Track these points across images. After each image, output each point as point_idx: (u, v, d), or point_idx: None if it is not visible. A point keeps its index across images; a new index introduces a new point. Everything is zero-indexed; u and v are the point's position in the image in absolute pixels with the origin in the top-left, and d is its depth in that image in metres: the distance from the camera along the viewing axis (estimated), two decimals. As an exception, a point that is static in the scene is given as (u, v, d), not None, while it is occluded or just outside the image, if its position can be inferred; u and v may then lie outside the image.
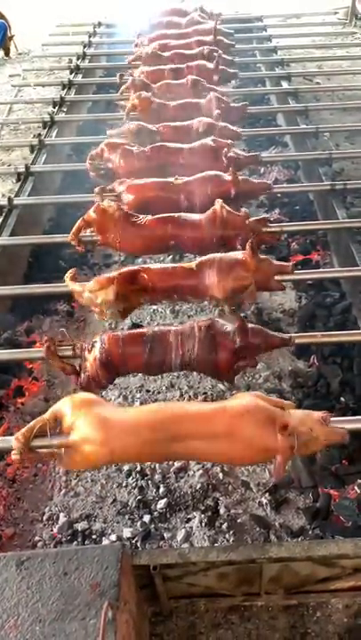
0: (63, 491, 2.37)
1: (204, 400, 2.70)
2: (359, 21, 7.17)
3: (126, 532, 2.18)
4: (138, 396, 2.76)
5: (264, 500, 2.29)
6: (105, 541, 2.16)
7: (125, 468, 2.40)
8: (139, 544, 2.15)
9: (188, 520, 2.22)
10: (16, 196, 3.45)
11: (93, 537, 2.19)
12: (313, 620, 1.94)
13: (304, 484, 2.33)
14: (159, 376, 2.85)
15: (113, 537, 2.17)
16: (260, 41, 5.80)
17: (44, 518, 2.28)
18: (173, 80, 3.86)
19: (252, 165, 3.41)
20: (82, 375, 2.03)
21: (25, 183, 3.64)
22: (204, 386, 2.79)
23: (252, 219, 2.57)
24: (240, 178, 2.77)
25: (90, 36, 5.86)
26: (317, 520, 2.21)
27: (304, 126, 4.10)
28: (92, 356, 2.01)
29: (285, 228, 3.07)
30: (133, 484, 2.35)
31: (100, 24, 6.23)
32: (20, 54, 7.36)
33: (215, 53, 4.13)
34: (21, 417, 2.68)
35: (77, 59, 5.38)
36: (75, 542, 2.17)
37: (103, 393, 2.77)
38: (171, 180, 2.79)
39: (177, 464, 2.39)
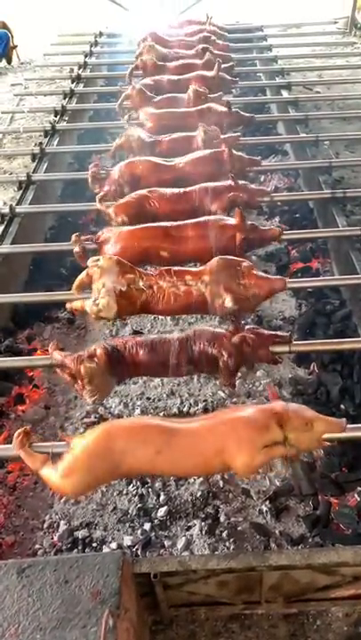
0: (64, 498, 2.37)
1: (205, 408, 2.70)
2: (359, 31, 7.21)
3: (127, 540, 2.18)
4: (138, 403, 2.77)
5: (264, 508, 2.29)
6: (105, 549, 2.16)
7: (126, 475, 2.40)
8: (139, 552, 2.15)
9: (189, 528, 2.22)
10: (18, 204, 3.47)
11: (94, 545, 2.19)
12: (313, 628, 1.94)
13: (304, 491, 2.33)
14: (160, 383, 2.86)
15: (113, 545, 2.18)
16: (261, 50, 5.84)
17: (45, 526, 2.28)
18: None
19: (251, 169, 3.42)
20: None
21: (26, 191, 3.66)
22: (205, 393, 2.80)
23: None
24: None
25: (91, 46, 5.91)
26: (317, 528, 2.21)
27: (304, 135, 4.13)
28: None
29: (285, 236, 3.09)
30: (134, 492, 2.35)
31: (101, 34, 6.28)
32: (22, 64, 7.40)
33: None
34: (22, 424, 2.68)
35: (79, 68, 5.42)
36: (75, 550, 2.17)
37: (104, 400, 2.78)
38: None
39: (177, 472, 2.39)
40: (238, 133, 3.57)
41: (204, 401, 2.75)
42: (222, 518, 2.25)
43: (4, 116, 5.37)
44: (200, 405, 2.73)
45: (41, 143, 4.14)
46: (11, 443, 1.89)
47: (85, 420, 2.69)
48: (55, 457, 1.72)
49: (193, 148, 3.24)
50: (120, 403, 2.76)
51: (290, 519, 2.27)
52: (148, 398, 2.80)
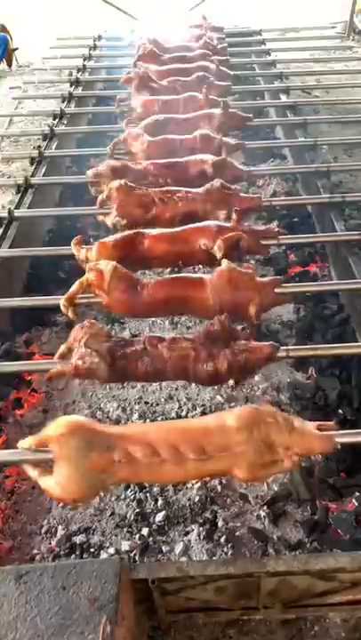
0: (61, 503, 2.37)
1: (203, 412, 2.70)
2: (357, 35, 7.25)
3: (124, 546, 2.18)
4: (136, 407, 2.77)
5: (262, 513, 2.29)
6: (103, 555, 2.16)
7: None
8: (137, 557, 2.14)
9: (187, 533, 2.22)
10: (16, 207, 3.47)
11: (92, 550, 2.19)
12: (311, 634, 1.94)
13: (302, 496, 2.34)
14: (158, 388, 2.86)
15: (111, 550, 2.17)
16: (259, 54, 5.85)
17: (43, 531, 2.28)
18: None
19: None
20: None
21: (25, 195, 3.65)
22: (203, 398, 2.80)
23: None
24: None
25: (90, 49, 5.91)
26: (315, 533, 2.21)
27: (303, 139, 4.13)
28: None
29: (284, 241, 3.09)
30: (132, 497, 2.35)
31: (100, 37, 6.29)
32: (20, 67, 7.42)
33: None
34: (20, 429, 2.69)
35: (77, 71, 5.42)
36: (73, 555, 2.17)
37: (102, 405, 2.78)
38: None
39: (175, 476, 2.39)
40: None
41: (202, 405, 2.75)
42: (220, 523, 2.24)
43: (3, 119, 5.39)
44: (198, 410, 2.73)
45: (39, 146, 4.14)
46: (9, 447, 1.90)
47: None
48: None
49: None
50: (118, 407, 2.76)
51: (288, 524, 2.27)
52: (147, 403, 2.80)
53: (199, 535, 2.20)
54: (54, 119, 4.56)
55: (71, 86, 5.14)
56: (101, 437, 1.64)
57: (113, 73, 5.60)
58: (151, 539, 2.21)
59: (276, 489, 2.38)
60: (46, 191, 4.03)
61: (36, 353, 3.06)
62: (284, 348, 2.21)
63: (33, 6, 8.38)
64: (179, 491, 2.36)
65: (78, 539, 2.22)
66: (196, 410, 2.73)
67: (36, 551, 2.21)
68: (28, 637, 1.41)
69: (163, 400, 2.81)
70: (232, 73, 4.44)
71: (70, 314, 2.30)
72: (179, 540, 2.20)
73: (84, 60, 5.66)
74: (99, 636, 1.35)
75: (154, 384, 2.85)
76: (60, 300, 2.32)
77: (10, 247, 3.19)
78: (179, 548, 2.17)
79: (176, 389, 2.85)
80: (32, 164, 3.99)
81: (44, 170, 3.93)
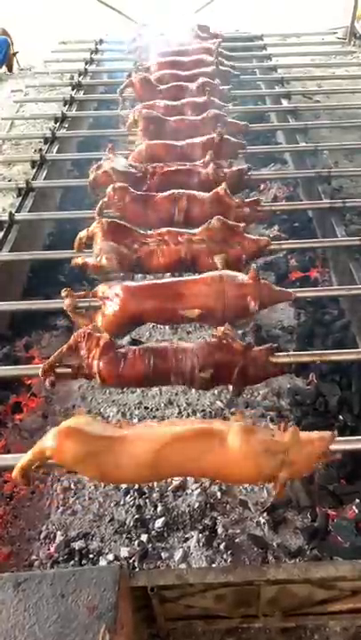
0: (61, 509, 2.36)
1: (203, 418, 2.69)
2: (358, 40, 7.25)
3: (123, 552, 2.17)
4: (136, 412, 2.76)
5: (262, 520, 2.28)
6: (102, 561, 2.15)
7: (123, 486, 2.39)
8: (136, 563, 2.13)
9: (186, 540, 2.21)
10: (17, 211, 3.47)
11: (90, 556, 2.18)
12: (311, 642, 1.93)
13: (302, 503, 2.33)
14: (158, 393, 2.85)
15: (110, 556, 2.16)
16: (261, 59, 5.86)
17: (41, 537, 2.27)
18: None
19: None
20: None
21: (26, 198, 3.65)
22: (203, 403, 2.79)
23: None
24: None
25: (92, 53, 5.91)
26: (315, 540, 2.20)
27: (303, 144, 4.13)
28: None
29: (284, 246, 3.09)
30: (131, 503, 2.34)
31: (101, 41, 6.29)
32: (22, 70, 7.42)
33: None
34: (19, 433, 2.67)
35: (79, 75, 5.42)
36: (72, 562, 2.16)
37: (102, 409, 2.77)
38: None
39: (175, 482, 2.38)
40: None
41: (202, 411, 2.74)
42: (220, 530, 2.23)
43: (4, 122, 5.37)
44: (198, 415, 2.72)
45: (41, 150, 4.14)
46: (8, 452, 1.89)
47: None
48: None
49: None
50: (118, 412, 2.76)
51: (288, 531, 2.26)
52: (146, 407, 2.79)
53: (199, 542, 2.19)
54: (56, 122, 4.56)
55: (73, 90, 5.14)
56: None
57: (115, 77, 5.60)
58: (150, 545, 2.20)
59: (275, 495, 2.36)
60: (47, 194, 4.03)
61: (35, 357, 3.05)
62: (285, 353, 2.20)
63: (34, 9, 8.39)
64: (178, 497, 2.35)
65: (77, 544, 2.21)
66: (196, 415, 2.72)
67: (34, 557, 2.20)
68: (27, 646, 1.40)
69: (162, 405, 2.80)
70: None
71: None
72: (178, 547, 2.19)
73: (86, 63, 5.67)
74: (97, 644, 1.34)
75: (154, 389, 2.84)
76: (61, 304, 2.31)
77: (10, 250, 3.19)
78: (178, 554, 2.15)
79: (176, 394, 2.84)
80: (33, 167, 3.99)
81: (45, 173, 3.93)
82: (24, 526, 2.32)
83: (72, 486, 2.43)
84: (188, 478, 2.36)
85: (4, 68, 7.30)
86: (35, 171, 3.95)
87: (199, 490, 2.35)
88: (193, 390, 2.84)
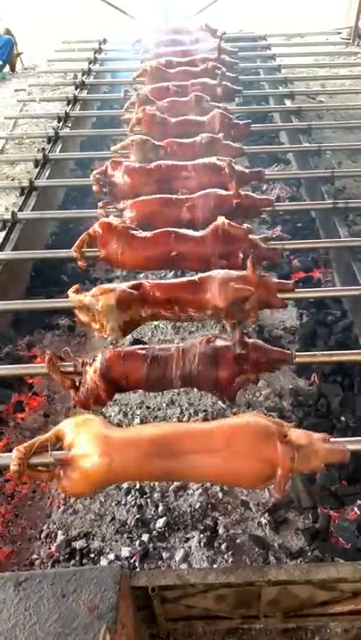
0: (62, 508, 2.36)
1: (205, 418, 2.69)
2: (362, 41, 7.25)
3: (124, 552, 2.17)
4: (138, 412, 2.76)
5: (263, 521, 2.28)
6: (103, 560, 2.15)
7: (124, 485, 2.39)
8: (137, 563, 2.13)
9: (187, 540, 2.21)
10: (20, 210, 3.47)
11: (91, 556, 2.18)
12: (312, 643, 1.92)
13: (304, 504, 2.32)
14: (159, 393, 2.85)
15: (111, 556, 2.16)
16: (264, 59, 5.85)
17: (42, 536, 2.27)
18: (177, 97, 3.87)
19: (254, 181, 3.41)
20: (81, 389, 2.02)
21: (29, 198, 3.65)
22: (205, 403, 2.79)
23: (253, 236, 2.56)
24: (243, 193, 2.77)
25: (95, 53, 5.92)
26: (317, 541, 2.19)
27: (307, 144, 4.12)
28: (93, 369, 2.00)
29: (287, 246, 3.08)
30: (132, 503, 2.34)
31: (105, 41, 6.29)
32: (25, 69, 7.43)
33: (218, 70, 4.13)
34: (21, 432, 2.68)
35: (82, 74, 5.42)
36: (72, 561, 2.16)
37: (103, 409, 2.77)
38: (173, 196, 2.80)
39: (176, 482, 2.37)
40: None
41: (204, 411, 2.74)
42: (221, 530, 2.23)
43: (8, 121, 5.38)
44: (200, 415, 2.72)
45: (44, 149, 4.14)
46: (9, 451, 1.88)
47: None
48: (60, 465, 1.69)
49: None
50: (119, 412, 2.75)
51: (289, 532, 2.26)
52: (148, 407, 2.79)
53: (200, 542, 2.19)
54: (59, 122, 4.56)
55: (76, 89, 5.14)
56: None
57: (118, 76, 5.61)
58: (151, 545, 2.20)
59: (277, 496, 2.36)
60: (50, 194, 4.03)
61: (37, 356, 3.05)
62: (306, 353, 2.20)
63: (38, 9, 8.40)
64: (180, 497, 2.35)
65: (78, 544, 2.21)
66: (198, 415, 2.71)
67: (35, 556, 2.20)
68: (27, 645, 1.39)
69: (164, 405, 2.80)
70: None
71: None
72: (179, 547, 2.19)
73: (90, 63, 5.67)
74: (98, 644, 1.34)
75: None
76: (63, 304, 2.32)
77: (13, 250, 3.19)
78: (179, 554, 2.15)
79: (178, 394, 2.84)
80: (36, 166, 4.00)
81: (47, 172, 3.93)
82: (25, 525, 2.32)
83: (73, 486, 2.43)
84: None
85: (8, 68, 7.31)
86: (38, 170, 3.96)
87: (200, 490, 2.35)
88: (195, 390, 2.83)
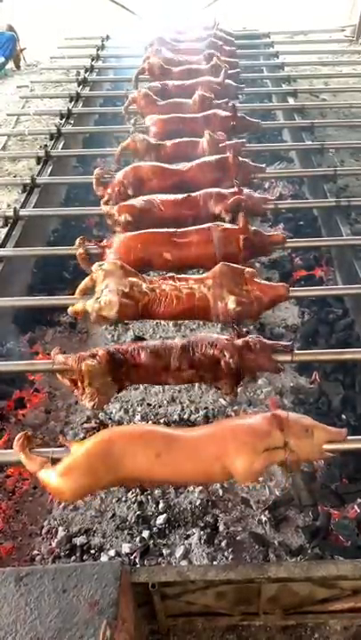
0: (62, 504, 2.36)
1: (205, 415, 2.69)
2: (366, 39, 7.23)
3: (125, 548, 2.17)
4: (139, 409, 2.76)
5: (264, 518, 2.28)
6: (103, 557, 2.15)
7: (125, 482, 2.39)
8: (137, 560, 2.14)
9: (188, 537, 2.21)
10: (22, 207, 3.47)
11: (92, 552, 2.18)
12: (311, 640, 1.93)
13: (304, 502, 2.33)
14: (160, 390, 2.85)
15: (112, 552, 2.17)
16: (267, 57, 5.84)
17: (43, 532, 2.27)
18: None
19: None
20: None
21: (31, 194, 3.65)
22: (206, 401, 2.79)
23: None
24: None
25: (98, 49, 5.91)
26: (317, 539, 2.19)
27: (310, 142, 4.12)
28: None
29: (289, 244, 3.08)
30: (133, 499, 2.34)
31: (108, 37, 6.29)
32: (28, 66, 7.42)
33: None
34: (22, 429, 2.68)
35: (85, 71, 5.42)
36: (73, 557, 2.16)
37: (105, 407, 2.77)
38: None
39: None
40: (244, 140, 3.57)
41: (205, 408, 2.74)
42: (221, 527, 2.23)
43: (10, 118, 5.39)
44: (201, 412, 2.72)
45: (46, 146, 4.14)
46: (11, 447, 1.89)
47: (86, 425, 2.67)
48: (55, 461, 1.71)
49: (198, 153, 3.25)
50: (121, 409, 2.76)
51: (289, 529, 2.26)
52: (149, 404, 2.79)
53: (200, 539, 2.19)
54: (61, 119, 4.56)
55: (79, 86, 5.14)
56: None
57: (121, 73, 5.60)
58: (152, 541, 2.20)
59: (277, 494, 2.37)
60: (52, 191, 4.03)
61: (39, 352, 3.05)
62: (305, 352, 2.21)
63: (41, 6, 8.38)
64: (180, 494, 2.35)
65: (79, 540, 2.21)
66: (198, 412, 2.72)
67: (36, 552, 2.20)
68: (27, 640, 1.40)
69: (165, 402, 2.80)
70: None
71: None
72: (179, 544, 2.19)
73: (92, 59, 5.66)
74: (98, 640, 1.34)
75: (156, 386, 2.84)
76: (64, 300, 2.32)
77: (15, 246, 3.19)
78: (179, 551, 2.16)
79: (179, 391, 2.84)
80: (38, 163, 3.99)
81: (50, 169, 3.93)
82: (26, 521, 2.33)
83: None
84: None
85: (11, 64, 7.30)
86: (40, 167, 3.95)
87: (201, 487, 2.35)
88: (196, 387, 2.84)
